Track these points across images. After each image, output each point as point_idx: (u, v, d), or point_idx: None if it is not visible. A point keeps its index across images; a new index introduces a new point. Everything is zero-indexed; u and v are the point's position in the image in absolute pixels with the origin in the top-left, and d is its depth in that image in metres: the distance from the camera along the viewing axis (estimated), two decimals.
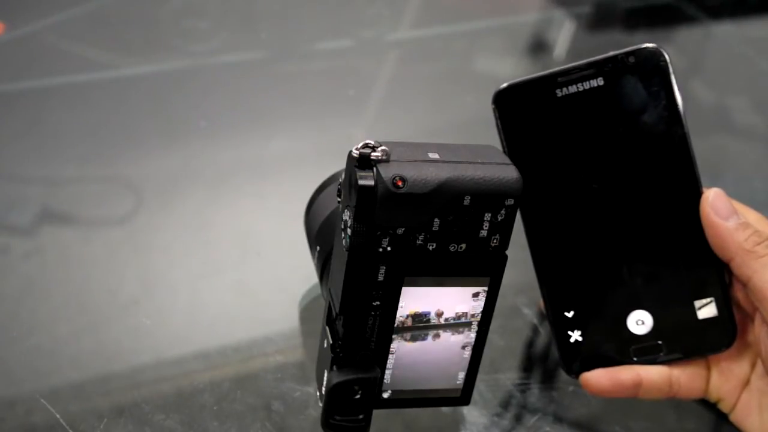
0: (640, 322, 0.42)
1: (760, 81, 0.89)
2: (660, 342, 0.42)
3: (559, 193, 0.42)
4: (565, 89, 0.41)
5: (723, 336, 0.42)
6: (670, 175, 0.41)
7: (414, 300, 0.38)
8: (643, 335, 0.42)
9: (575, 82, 0.41)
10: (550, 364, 0.54)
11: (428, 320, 0.39)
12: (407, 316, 0.39)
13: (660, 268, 0.42)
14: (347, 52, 0.88)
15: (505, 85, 0.41)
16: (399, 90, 0.83)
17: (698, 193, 0.41)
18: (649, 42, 0.42)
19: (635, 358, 0.42)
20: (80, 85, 0.79)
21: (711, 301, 0.42)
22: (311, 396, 0.50)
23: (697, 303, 0.42)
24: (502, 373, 0.52)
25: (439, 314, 0.39)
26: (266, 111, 0.78)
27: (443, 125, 0.77)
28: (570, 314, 0.43)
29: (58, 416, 0.48)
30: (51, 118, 0.74)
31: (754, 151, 0.79)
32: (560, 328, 0.43)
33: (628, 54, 0.41)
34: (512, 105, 0.42)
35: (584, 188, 0.42)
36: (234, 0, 0.95)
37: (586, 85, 0.41)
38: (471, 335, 0.40)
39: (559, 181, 0.42)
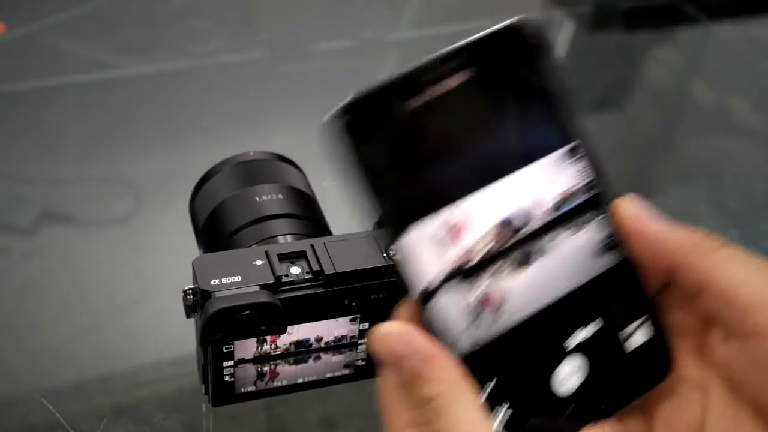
0: (571, 373, 0.35)
1: (760, 81, 0.89)
2: (599, 390, 0.35)
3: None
4: (427, 91, 0.32)
5: (661, 363, 0.35)
6: (566, 177, 0.34)
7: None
8: (578, 388, 0.35)
9: (439, 79, 0.32)
10: None
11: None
12: (290, 344, 0.43)
13: (580, 302, 0.35)
14: (347, 52, 0.88)
15: (347, 101, 0.31)
16: None
17: (607, 191, 0.34)
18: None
19: (576, 419, 0.35)
20: (80, 85, 0.79)
21: (642, 326, 0.35)
22: (311, 396, 0.50)
23: (624, 333, 0.35)
24: None
25: (319, 339, 0.43)
26: (266, 111, 0.78)
27: None
28: (492, 383, 0.33)
29: (58, 416, 0.48)
30: (51, 118, 0.74)
31: (754, 151, 0.79)
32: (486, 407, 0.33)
33: (494, 34, 0.33)
34: (363, 124, 0.32)
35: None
36: (234, 0, 0.95)
37: (453, 81, 0.32)
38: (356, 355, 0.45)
39: (439, 203, 0.32)
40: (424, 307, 0.32)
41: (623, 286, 0.34)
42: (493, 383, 0.33)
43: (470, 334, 0.32)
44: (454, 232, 0.32)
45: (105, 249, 0.61)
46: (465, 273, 0.32)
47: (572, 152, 0.33)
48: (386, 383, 0.32)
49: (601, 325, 0.34)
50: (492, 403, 0.33)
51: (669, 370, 0.35)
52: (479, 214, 0.32)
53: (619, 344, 0.35)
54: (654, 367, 0.35)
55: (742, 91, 0.87)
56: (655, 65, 0.89)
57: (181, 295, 0.41)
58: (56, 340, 0.53)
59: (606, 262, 0.34)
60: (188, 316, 0.41)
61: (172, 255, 0.61)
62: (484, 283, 0.32)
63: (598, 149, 0.33)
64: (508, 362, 0.34)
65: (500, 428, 0.32)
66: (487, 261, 0.32)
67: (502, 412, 0.33)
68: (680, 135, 0.81)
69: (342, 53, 0.88)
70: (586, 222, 0.34)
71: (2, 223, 0.62)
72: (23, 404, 0.49)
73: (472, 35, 0.33)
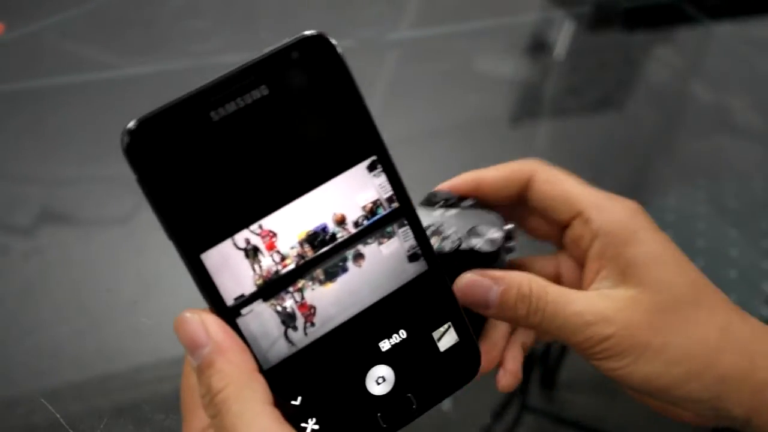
0: (380, 380, 0.35)
1: (760, 81, 0.89)
2: (409, 395, 0.35)
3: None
4: (221, 110, 0.32)
5: (469, 363, 0.36)
6: (367, 191, 0.34)
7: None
8: (388, 394, 0.35)
9: (233, 97, 0.33)
10: (550, 364, 0.54)
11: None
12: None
13: (385, 312, 0.35)
14: (347, 52, 0.88)
15: (134, 123, 0.31)
16: (399, 90, 0.83)
17: (408, 203, 0.35)
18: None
19: (385, 426, 0.35)
20: (80, 85, 0.79)
21: (449, 327, 0.36)
22: None
23: (436, 334, 0.36)
24: None
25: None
26: None
27: (443, 125, 0.77)
28: (297, 401, 0.34)
29: (58, 416, 0.48)
30: (51, 118, 0.74)
31: (754, 151, 0.79)
32: (292, 422, 0.33)
33: (288, 49, 0.34)
34: (153, 147, 0.32)
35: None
36: (234, 0, 0.95)
37: (248, 99, 0.33)
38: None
39: (238, 223, 0.33)
40: (232, 321, 0.32)
41: (427, 295, 0.36)
42: (300, 397, 0.34)
43: (279, 347, 0.33)
44: (260, 248, 0.33)
45: (105, 249, 0.61)
46: (272, 287, 0.33)
47: (372, 166, 0.34)
48: (188, 378, 0.32)
49: (406, 332, 0.35)
50: (300, 418, 0.34)
51: (477, 369, 0.36)
52: (282, 231, 0.33)
53: (426, 350, 0.36)
54: (462, 367, 0.36)
55: (742, 91, 0.87)
56: (655, 65, 0.89)
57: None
58: (56, 340, 0.53)
59: (409, 272, 0.35)
60: None
61: (172, 255, 0.61)
62: (292, 296, 0.33)
63: (397, 165, 0.34)
64: (316, 374, 0.34)
65: None
66: (294, 275, 0.33)
67: (309, 427, 0.34)
68: (680, 135, 0.81)
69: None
70: (389, 235, 0.35)
71: (2, 223, 0.62)
72: (23, 404, 0.49)
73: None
